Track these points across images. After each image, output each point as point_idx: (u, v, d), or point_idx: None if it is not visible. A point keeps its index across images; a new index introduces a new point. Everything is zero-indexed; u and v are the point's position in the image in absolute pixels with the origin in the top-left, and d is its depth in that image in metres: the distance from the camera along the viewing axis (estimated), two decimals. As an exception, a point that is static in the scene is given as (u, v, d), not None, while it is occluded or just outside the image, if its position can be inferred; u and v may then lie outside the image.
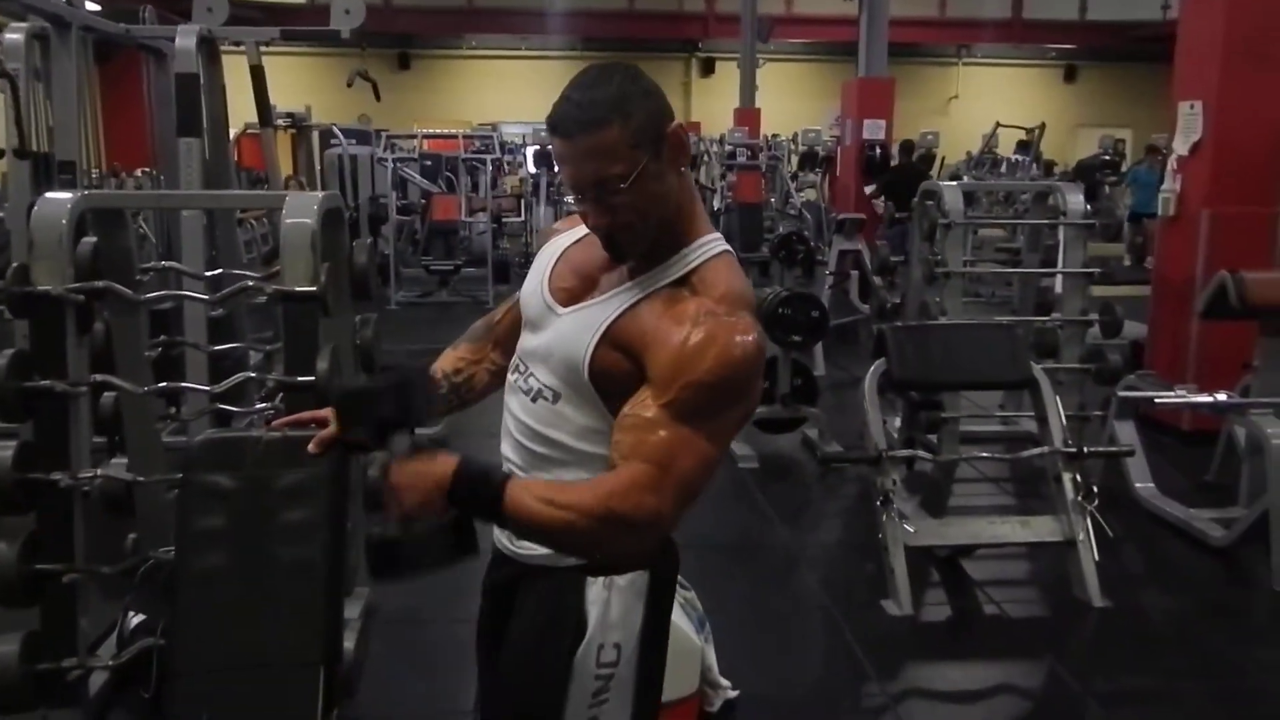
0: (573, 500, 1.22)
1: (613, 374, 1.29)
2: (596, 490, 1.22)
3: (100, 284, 2.38)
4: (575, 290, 1.36)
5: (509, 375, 1.44)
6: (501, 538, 1.44)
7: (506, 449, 1.42)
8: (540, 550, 1.37)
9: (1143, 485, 4.16)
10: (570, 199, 1.34)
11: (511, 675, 1.43)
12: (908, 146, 9.73)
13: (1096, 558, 3.29)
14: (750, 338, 1.24)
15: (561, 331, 1.33)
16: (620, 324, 1.29)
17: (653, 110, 1.28)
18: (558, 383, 1.33)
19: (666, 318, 1.26)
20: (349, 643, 2.22)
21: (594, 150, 1.23)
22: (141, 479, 2.48)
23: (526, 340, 1.41)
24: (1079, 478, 3.39)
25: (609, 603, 1.35)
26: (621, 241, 1.30)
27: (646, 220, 1.29)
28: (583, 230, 1.41)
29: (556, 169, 1.39)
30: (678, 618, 2.18)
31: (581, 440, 1.33)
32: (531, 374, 1.37)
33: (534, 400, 1.36)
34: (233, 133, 6.17)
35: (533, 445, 1.36)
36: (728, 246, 1.36)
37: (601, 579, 1.35)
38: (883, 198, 9.00)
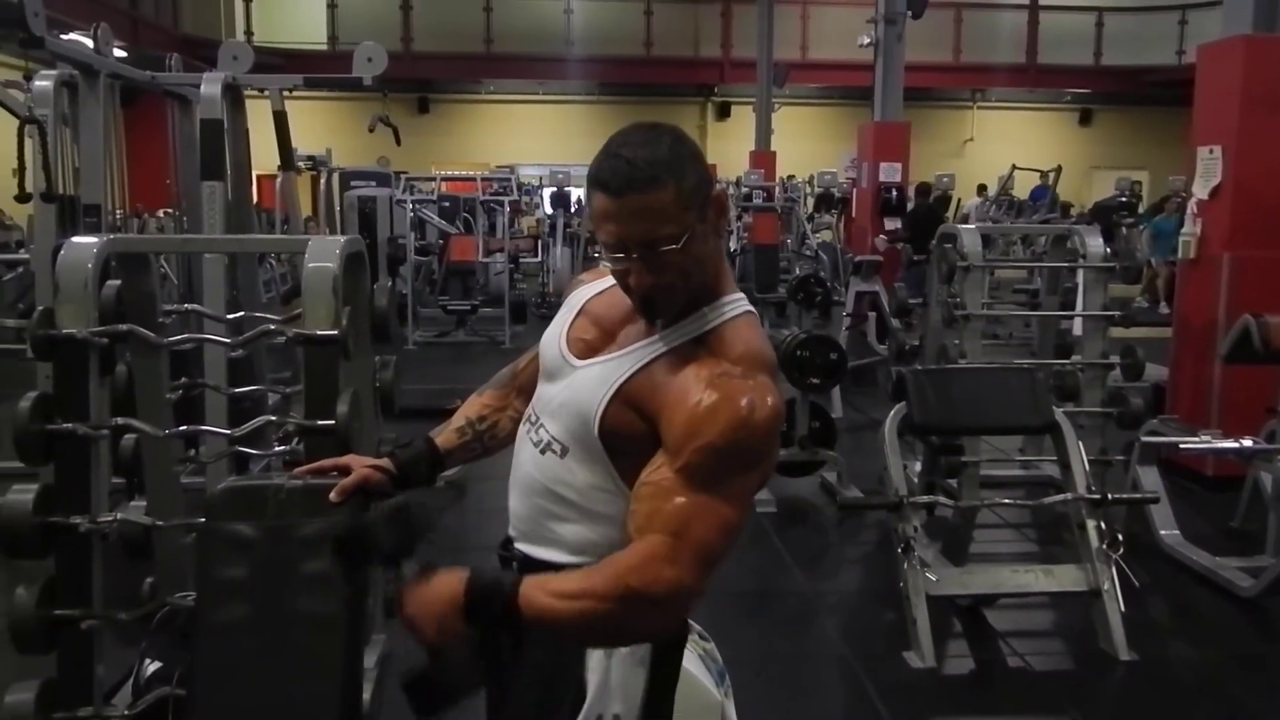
0: (587, 587, 1.18)
1: (623, 432, 1.26)
2: (611, 570, 1.18)
3: (124, 327, 2.40)
4: (593, 343, 1.34)
5: (521, 426, 1.42)
6: None
7: (513, 502, 1.39)
8: None
9: (1168, 532, 4.10)
10: (603, 257, 1.31)
11: None
12: (924, 189, 9.77)
13: (1122, 608, 3.23)
14: (766, 401, 1.21)
15: (575, 385, 1.31)
16: (634, 382, 1.27)
17: (701, 173, 1.26)
18: (567, 436, 1.30)
19: (680, 378, 1.23)
20: (366, 694, 2.20)
21: (645, 210, 1.21)
22: (160, 523, 2.48)
23: (542, 390, 1.39)
24: (1103, 525, 3.34)
25: (609, 671, 1.30)
26: (660, 302, 1.27)
27: (688, 282, 1.27)
28: (607, 282, 1.39)
29: (591, 226, 1.33)
30: (697, 671, 2.15)
31: (586, 497, 1.30)
32: (542, 425, 1.35)
33: (542, 452, 1.33)
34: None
35: (537, 499, 1.34)
36: (750, 307, 1.34)
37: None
38: (901, 243, 9.03)
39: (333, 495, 1.39)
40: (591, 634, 1.22)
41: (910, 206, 9.67)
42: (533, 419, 1.38)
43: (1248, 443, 3.78)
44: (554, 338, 1.40)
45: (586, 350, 1.34)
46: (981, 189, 14.20)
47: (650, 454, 1.24)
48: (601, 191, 1.22)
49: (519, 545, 1.37)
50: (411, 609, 1.21)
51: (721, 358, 1.25)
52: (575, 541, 1.31)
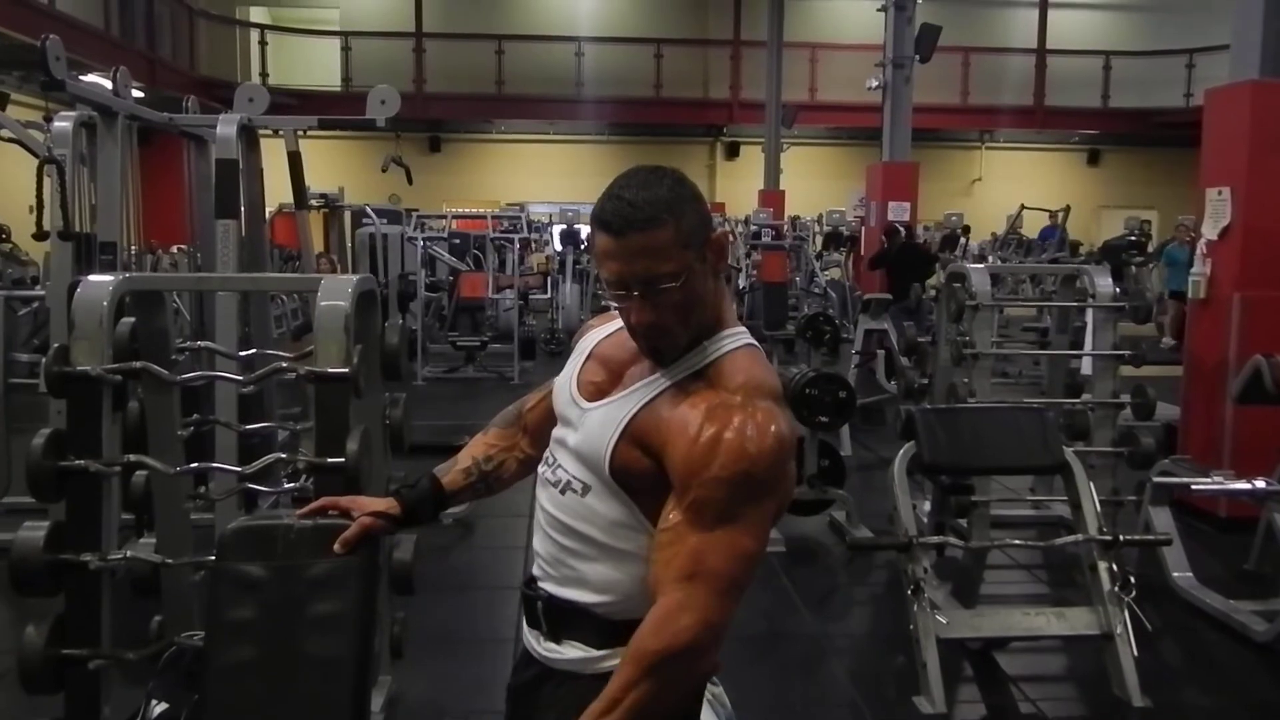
0: (622, 682, 1.19)
1: (634, 470, 1.27)
2: (635, 650, 1.20)
3: (137, 365, 2.43)
4: (602, 385, 1.36)
5: (540, 468, 1.43)
6: (529, 638, 1.41)
7: (537, 543, 1.40)
8: (565, 655, 1.34)
9: (1180, 575, 4.06)
10: (606, 295, 1.34)
11: None
12: (893, 230, 9.62)
13: (1135, 653, 3.19)
14: (769, 428, 1.21)
15: (586, 427, 1.33)
16: (639, 420, 1.28)
17: (701, 214, 1.29)
18: (586, 475, 1.32)
19: (679, 412, 1.25)
20: (371, 734, 2.18)
21: (646, 248, 1.23)
22: (170, 561, 2.48)
23: (557, 433, 1.40)
24: (1115, 567, 3.31)
25: None
26: (660, 341, 1.29)
27: (687, 320, 1.29)
28: (615, 325, 1.41)
29: (595, 265, 1.34)
30: (706, 715, 2.13)
31: (608, 534, 1.30)
32: (560, 466, 1.36)
33: (563, 492, 1.34)
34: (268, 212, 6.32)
35: (561, 538, 1.34)
36: (752, 340, 1.35)
37: None
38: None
39: (336, 546, 1.40)
40: (654, 717, 1.22)
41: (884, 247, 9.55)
42: (550, 460, 1.40)
43: (1261, 484, 3.74)
44: (565, 382, 1.42)
45: (595, 392, 1.36)
46: (966, 230, 14.19)
47: (665, 488, 1.25)
48: (604, 231, 1.25)
49: (543, 585, 1.37)
50: None
51: (721, 388, 1.26)
52: (599, 580, 1.32)
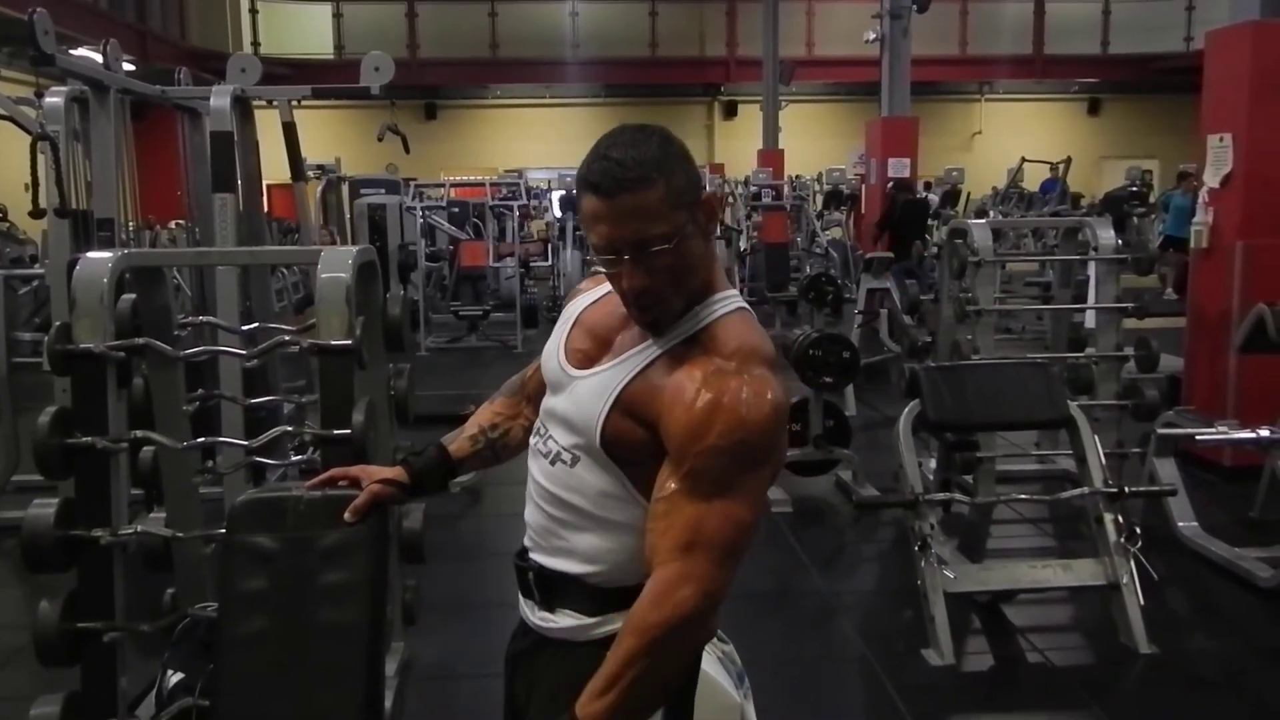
0: (622, 657, 1.17)
1: (625, 441, 1.25)
2: (633, 625, 1.18)
3: (140, 341, 2.42)
4: (590, 353, 1.33)
5: (532, 438, 1.41)
6: (523, 607, 1.41)
7: (528, 514, 1.39)
8: (559, 624, 1.34)
9: (1186, 524, 4.08)
10: (595, 259, 1.31)
11: None
12: (904, 185, 9.57)
13: (1141, 602, 3.21)
14: (765, 395, 1.19)
15: (576, 396, 1.30)
16: (631, 389, 1.25)
17: (691, 174, 1.25)
18: (575, 445, 1.30)
19: (675, 379, 1.22)
20: (386, 702, 2.21)
21: (637, 210, 1.20)
22: (180, 534, 2.50)
23: (547, 402, 1.38)
24: (1121, 518, 3.33)
25: None
26: (656, 308, 1.26)
27: (680, 284, 1.25)
28: (601, 291, 1.39)
29: (584, 230, 1.31)
30: (716, 673, 2.14)
31: (597, 505, 1.29)
32: (550, 436, 1.35)
33: (553, 463, 1.33)
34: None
35: (551, 509, 1.33)
36: (744, 304, 1.32)
37: None
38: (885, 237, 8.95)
39: (347, 516, 1.40)
40: (654, 692, 1.21)
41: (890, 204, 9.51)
42: (541, 430, 1.38)
43: (1265, 432, 3.75)
44: (553, 350, 1.39)
45: (584, 360, 1.33)
46: (928, 185, 14.08)
47: (656, 459, 1.23)
48: (592, 193, 1.22)
49: (534, 555, 1.37)
50: None
51: (715, 354, 1.23)
52: (588, 551, 1.31)
